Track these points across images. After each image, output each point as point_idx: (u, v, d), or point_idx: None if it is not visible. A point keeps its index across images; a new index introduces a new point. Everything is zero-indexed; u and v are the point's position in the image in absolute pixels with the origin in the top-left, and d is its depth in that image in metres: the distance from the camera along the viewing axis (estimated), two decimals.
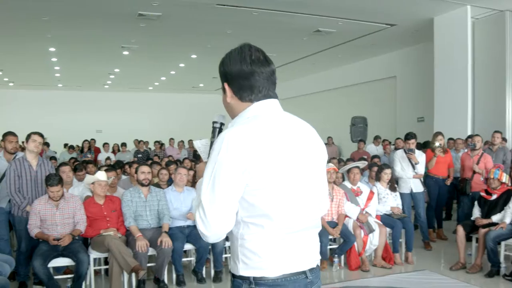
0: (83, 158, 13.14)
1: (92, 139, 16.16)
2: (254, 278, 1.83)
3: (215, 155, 1.78)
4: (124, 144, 15.86)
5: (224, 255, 6.00)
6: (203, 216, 1.77)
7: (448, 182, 7.92)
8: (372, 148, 12.80)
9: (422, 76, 14.18)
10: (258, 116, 1.89)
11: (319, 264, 2.00)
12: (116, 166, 7.49)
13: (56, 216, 5.23)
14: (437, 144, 7.58)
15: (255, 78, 1.90)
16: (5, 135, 5.82)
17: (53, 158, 11.82)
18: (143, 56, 16.24)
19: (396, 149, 9.59)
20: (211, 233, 1.78)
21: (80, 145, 16.11)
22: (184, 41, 13.94)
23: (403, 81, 15.58)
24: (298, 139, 1.91)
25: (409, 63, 15.16)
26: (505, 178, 6.17)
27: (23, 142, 6.19)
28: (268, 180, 1.78)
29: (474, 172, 7.49)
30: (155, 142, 16.59)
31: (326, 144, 14.80)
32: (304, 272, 1.89)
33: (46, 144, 15.91)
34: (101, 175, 5.67)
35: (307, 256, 1.92)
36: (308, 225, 1.93)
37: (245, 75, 1.90)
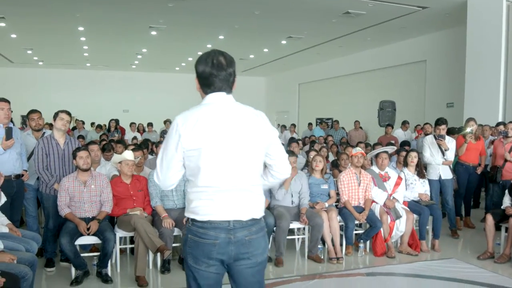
0: (110, 137, 13.26)
1: (116, 120, 16.30)
2: (191, 219, 2.54)
3: (168, 131, 2.52)
4: (150, 124, 15.95)
5: None
6: (157, 171, 2.55)
7: (479, 170, 7.74)
8: (400, 133, 12.62)
9: (452, 60, 13.87)
10: (208, 103, 2.52)
11: (256, 218, 2.56)
12: (143, 146, 7.51)
13: (84, 193, 5.28)
14: (468, 130, 7.40)
15: (212, 79, 2.49)
16: (29, 113, 5.88)
17: (80, 136, 11.94)
18: (170, 37, 16.25)
19: (425, 134, 9.41)
20: (161, 183, 2.57)
21: (107, 124, 16.25)
22: (211, 21, 13.87)
23: (433, 65, 15.26)
24: (232, 121, 2.48)
25: (439, 47, 14.84)
26: None
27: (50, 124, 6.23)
28: (197, 149, 2.43)
29: (506, 160, 7.31)
30: None
31: (353, 128, 14.71)
32: (227, 221, 2.48)
33: (81, 122, 16.17)
34: (128, 155, 5.68)
35: (234, 210, 2.49)
36: (236, 187, 2.49)
37: (205, 76, 2.51)
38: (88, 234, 5.10)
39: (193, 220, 2.53)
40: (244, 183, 2.52)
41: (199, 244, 2.50)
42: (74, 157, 5.31)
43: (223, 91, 2.53)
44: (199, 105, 2.54)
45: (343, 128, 15.92)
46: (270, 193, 6.11)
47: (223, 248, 2.48)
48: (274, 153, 2.63)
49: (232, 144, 2.46)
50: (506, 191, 6.33)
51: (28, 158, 5.67)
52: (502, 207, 6.24)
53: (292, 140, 9.70)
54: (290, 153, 6.31)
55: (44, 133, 5.85)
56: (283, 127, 18.00)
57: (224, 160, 2.46)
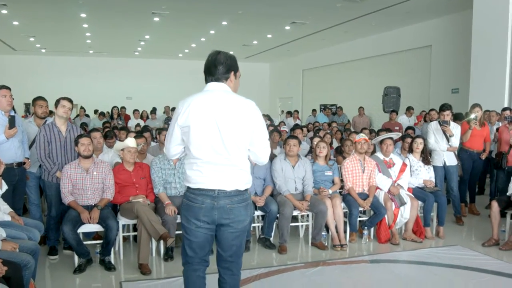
0: (114, 125, 13.23)
1: (122, 107, 16.26)
2: (186, 186, 3.11)
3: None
4: (153, 111, 15.90)
5: (252, 224, 5.98)
6: (165, 143, 3.20)
7: (483, 157, 7.66)
8: (404, 119, 12.56)
9: (458, 46, 13.74)
10: (205, 90, 3.07)
11: (239, 190, 3.05)
12: (144, 131, 7.48)
13: (86, 180, 5.25)
14: (472, 116, 7.32)
15: (209, 71, 3.08)
16: (35, 100, 5.81)
17: (83, 124, 11.92)
18: (173, 23, 16.14)
19: (429, 120, 9.33)
20: (166, 153, 3.21)
21: (110, 111, 16.23)
22: (214, 7, 13.75)
23: (438, 51, 15.12)
24: (221, 105, 2.96)
25: (445, 32, 14.68)
26: None
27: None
28: (188, 126, 2.98)
29: (511, 146, 7.24)
30: None
31: (357, 115, 14.63)
32: (213, 190, 3.00)
33: (83, 109, 16.14)
34: (131, 142, 5.65)
35: (219, 181, 3.00)
36: (222, 162, 2.98)
37: (205, 70, 3.11)
38: (89, 213, 5.10)
39: (188, 187, 3.10)
40: (230, 159, 2.98)
41: (190, 207, 3.07)
42: (76, 144, 5.28)
43: (220, 81, 3.06)
44: (201, 91, 3.08)
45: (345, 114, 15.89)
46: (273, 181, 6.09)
47: (208, 211, 3.02)
48: (255, 141, 3.05)
49: (218, 124, 2.95)
50: None
51: (30, 146, 5.63)
52: (507, 193, 6.19)
53: (296, 126, 9.65)
54: (293, 137, 6.29)
55: (46, 120, 5.80)
56: (288, 114, 17.92)
57: (209, 137, 2.95)
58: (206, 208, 3.01)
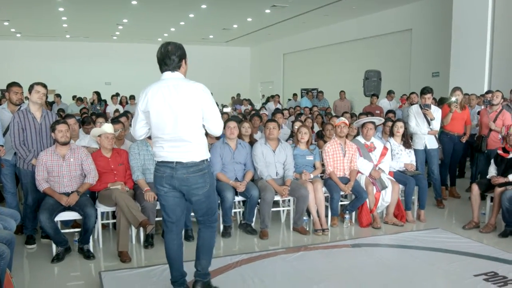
0: (92, 111, 13.02)
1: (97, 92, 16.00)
2: (156, 161, 3.76)
3: None
4: (132, 97, 15.69)
5: (233, 210, 5.93)
6: (132, 127, 3.81)
7: (464, 140, 7.68)
8: (385, 103, 12.57)
9: (438, 29, 13.77)
10: (161, 79, 3.61)
11: (195, 161, 3.63)
12: (124, 116, 7.32)
13: (63, 167, 5.12)
14: (453, 99, 7.31)
15: (164, 62, 3.59)
16: (10, 85, 5.61)
17: (61, 110, 11.71)
18: (152, 6, 15.90)
19: (410, 104, 9.33)
20: (134, 134, 3.79)
21: (87, 97, 15.96)
22: None
23: (418, 34, 15.16)
24: (172, 91, 3.52)
25: (425, 16, 14.71)
26: None
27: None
28: (147, 112, 3.58)
29: (491, 130, 7.28)
30: None
31: (338, 99, 14.60)
32: (172, 162, 3.62)
33: (58, 96, 15.81)
34: (108, 128, 5.52)
35: (176, 155, 3.60)
36: (178, 138, 3.56)
37: (158, 61, 3.62)
38: (69, 207, 5.00)
39: (156, 161, 3.75)
40: (184, 135, 3.56)
41: (156, 176, 3.74)
42: (53, 130, 5.13)
43: (171, 71, 3.60)
44: (158, 80, 3.64)
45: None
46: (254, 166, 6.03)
47: (168, 180, 3.66)
48: (206, 116, 3.62)
49: (172, 107, 3.51)
50: (492, 161, 6.30)
51: (4, 133, 5.45)
52: (487, 176, 6.22)
53: (277, 110, 9.58)
54: (272, 121, 6.25)
55: (20, 106, 5.63)
56: (270, 98, 17.81)
57: (166, 119, 3.54)
58: (167, 176, 3.65)
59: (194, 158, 3.62)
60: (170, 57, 3.55)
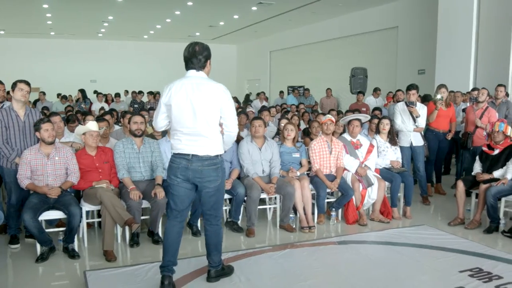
0: (77, 109, 12.91)
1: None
2: (172, 152, 3.99)
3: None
4: (118, 95, 15.58)
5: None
6: (154, 119, 4.03)
7: (449, 137, 7.72)
8: (372, 100, 12.61)
9: (424, 27, 13.84)
10: (185, 76, 3.87)
11: (210, 155, 3.85)
12: (109, 114, 7.26)
13: (48, 166, 5.06)
14: (438, 96, 7.34)
15: (190, 61, 3.85)
16: None
17: (45, 108, 11.60)
18: (137, 3, 15.79)
19: (397, 101, 9.37)
20: (155, 126, 4.01)
21: (72, 95, 15.82)
22: None
23: (404, 32, 15.22)
24: (195, 88, 3.77)
25: (411, 14, 14.77)
26: (510, 131, 6.00)
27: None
28: (169, 105, 3.80)
29: (477, 126, 7.33)
30: (148, 92, 16.36)
31: (325, 96, 14.61)
32: (188, 154, 3.83)
33: (43, 93, 15.66)
34: (92, 125, 5.46)
35: (193, 148, 3.82)
36: (196, 133, 3.79)
37: (185, 59, 3.88)
38: (50, 200, 4.95)
39: (172, 152, 3.96)
40: (202, 131, 3.79)
41: (171, 167, 3.94)
42: (38, 129, 5.06)
43: (196, 69, 3.86)
44: (183, 77, 3.87)
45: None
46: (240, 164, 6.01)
47: (183, 171, 3.87)
48: (224, 115, 3.87)
49: (193, 104, 3.74)
50: (477, 157, 6.36)
51: None
52: (472, 173, 6.27)
53: (263, 108, 9.56)
54: (258, 118, 6.23)
55: (3, 105, 5.55)
56: (257, 95, 17.79)
57: (186, 114, 3.77)
58: (182, 168, 3.86)
59: (210, 152, 3.85)
60: (197, 57, 3.81)
